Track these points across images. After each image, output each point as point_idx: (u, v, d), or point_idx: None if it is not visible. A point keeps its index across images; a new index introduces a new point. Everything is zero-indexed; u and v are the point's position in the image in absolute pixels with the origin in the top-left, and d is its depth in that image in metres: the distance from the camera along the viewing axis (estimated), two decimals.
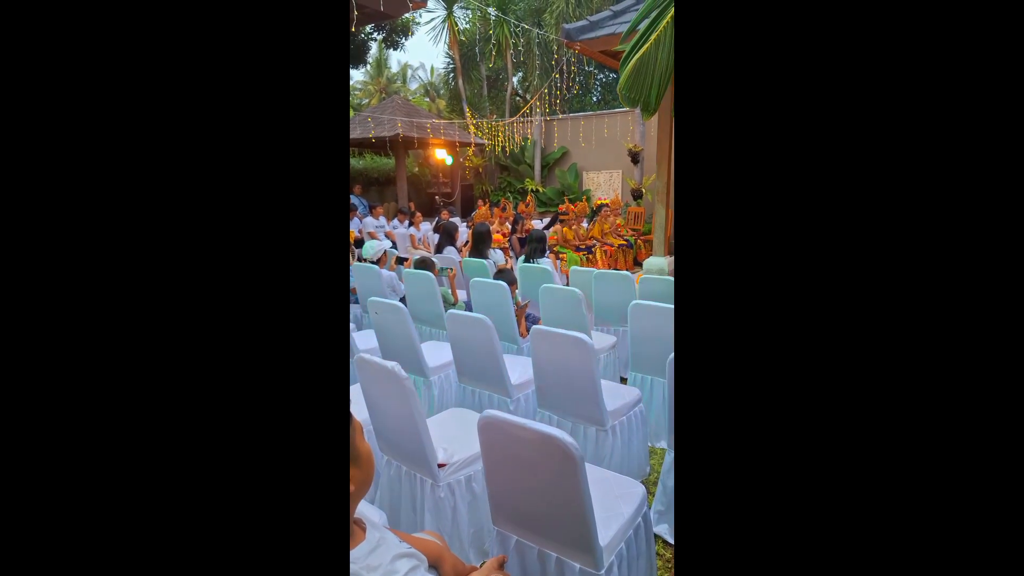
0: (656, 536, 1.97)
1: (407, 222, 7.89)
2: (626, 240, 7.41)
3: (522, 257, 4.75)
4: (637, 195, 9.96)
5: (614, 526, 1.47)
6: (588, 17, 5.55)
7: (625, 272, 3.58)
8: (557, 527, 1.38)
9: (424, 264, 3.65)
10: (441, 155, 12.10)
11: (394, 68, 22.76)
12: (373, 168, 13.80)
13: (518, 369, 2.63)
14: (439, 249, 5.47)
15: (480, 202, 10.38)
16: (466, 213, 11.87)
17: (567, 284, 3.90)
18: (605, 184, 11.92)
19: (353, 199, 8.77)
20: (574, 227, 7.16)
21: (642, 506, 1.60)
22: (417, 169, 13.92)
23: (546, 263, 4.45)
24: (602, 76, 15.78)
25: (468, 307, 3.53)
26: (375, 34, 15.85)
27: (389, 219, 8.00)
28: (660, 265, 5.55)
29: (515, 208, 9.50)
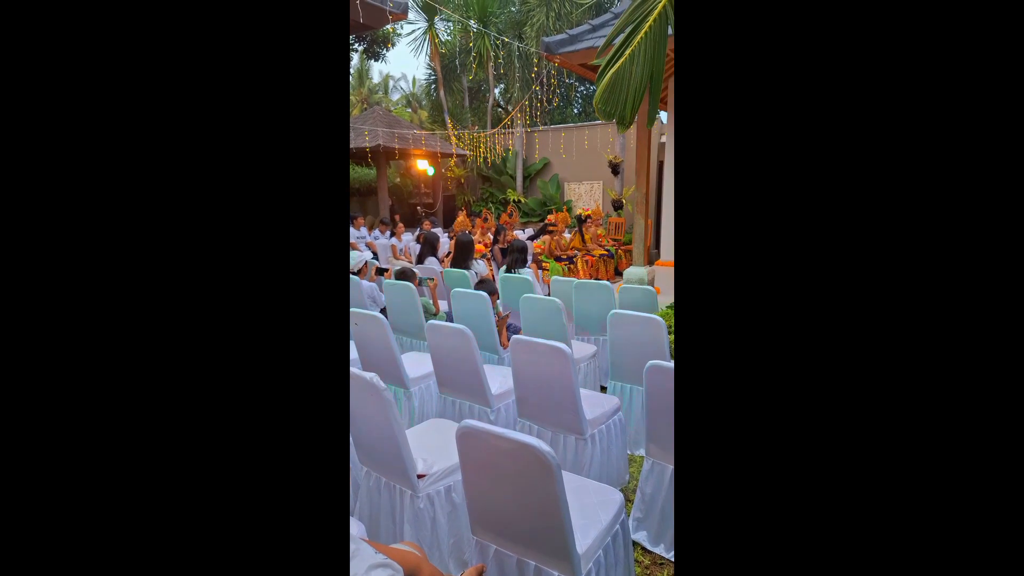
0: (635, 543, 1.98)
1: (388, 232, 7.86)
2: (607, 250, 7.49)
3: (503, 267, 4.76)
4: (618, 206, 10.09)
5: (592, 533, 1.48)
6: (568, 31, 5.63)
7: (605, 282, 3.62)
8: (535, 536, 1.39)
9: (405, 275, 3.65)
10: (423, 166, 12.11)
11: (376, 79, 22.83)
12: (354, 179, 13.72)
13: (499, 379, 2.64)
14: (420, 259, 5.45)
15: (460, 212, 10.39)
16: (448, 224, 11.87)
17: (548, 294, 3.92)
18: (586, 195, 12.03)
19: None
20: (556, 237, 7.22)
21: (620, 513, 1.61)
22: (399, 180, 13.91)
23: (527, 273, 4.47)
24: (583, 88, 15.99)
25: (449, 317, 3.53)
26: (356, 45, 15.89)
27: (371, 230, 7.96)
28: (640, 275, 5.62)
29: (497, 219, 9.53)
